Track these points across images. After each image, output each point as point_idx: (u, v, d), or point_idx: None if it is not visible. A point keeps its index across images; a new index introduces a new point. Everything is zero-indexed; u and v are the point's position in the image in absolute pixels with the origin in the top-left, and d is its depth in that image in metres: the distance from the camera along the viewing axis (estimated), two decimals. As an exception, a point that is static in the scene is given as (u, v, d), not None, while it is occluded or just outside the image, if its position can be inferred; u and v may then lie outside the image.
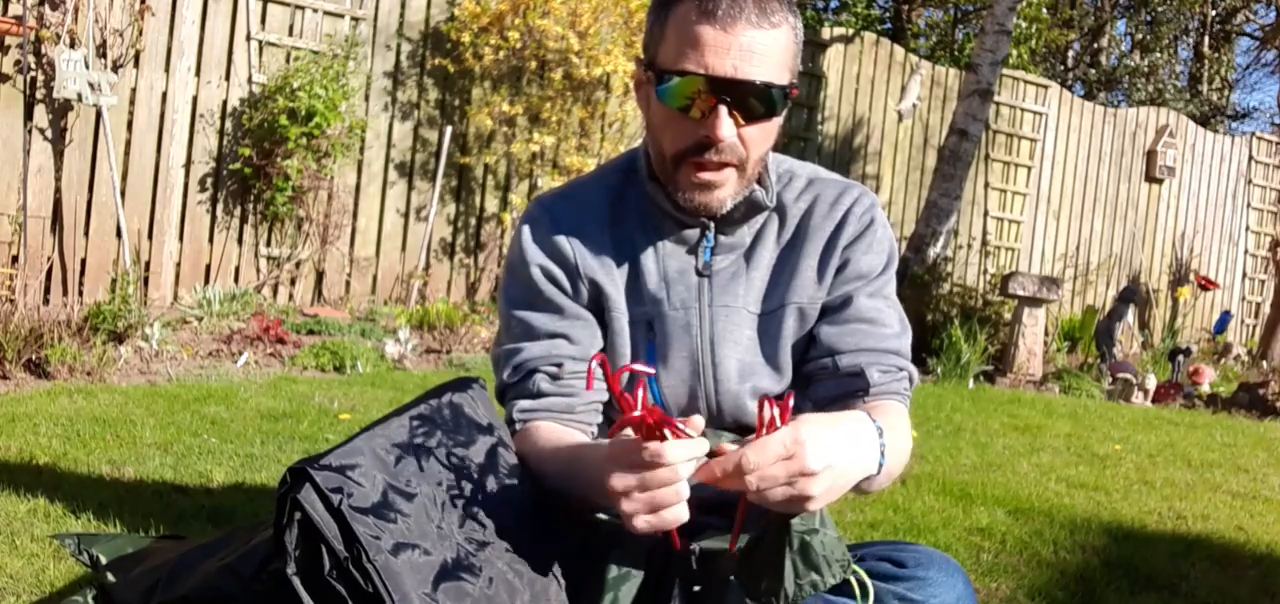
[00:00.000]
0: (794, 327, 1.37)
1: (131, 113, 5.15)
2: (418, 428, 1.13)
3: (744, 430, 1.36)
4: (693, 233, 1.36)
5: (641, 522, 1.03)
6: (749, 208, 1.34)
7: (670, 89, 1.23)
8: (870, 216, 1.38)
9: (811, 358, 1.36)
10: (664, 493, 1.02)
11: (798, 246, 1.37)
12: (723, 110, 1.21)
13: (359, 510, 1.00)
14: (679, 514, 1.04)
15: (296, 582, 0.98)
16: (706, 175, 1.26)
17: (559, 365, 1.35)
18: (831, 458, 1.02)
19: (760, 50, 1.21)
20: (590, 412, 1.37)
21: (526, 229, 1.39)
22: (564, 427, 1.34)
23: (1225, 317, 9.31)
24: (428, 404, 1.18)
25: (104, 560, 1.46)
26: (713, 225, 1.35)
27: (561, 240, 1.36)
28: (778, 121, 1.28)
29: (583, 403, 1.36)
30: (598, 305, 1.38)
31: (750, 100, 1.22)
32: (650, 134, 1.33)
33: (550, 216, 1.38)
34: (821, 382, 1.35)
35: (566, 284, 1.36)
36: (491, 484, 1.14)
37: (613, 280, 1.36)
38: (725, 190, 1.28)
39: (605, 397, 1.39)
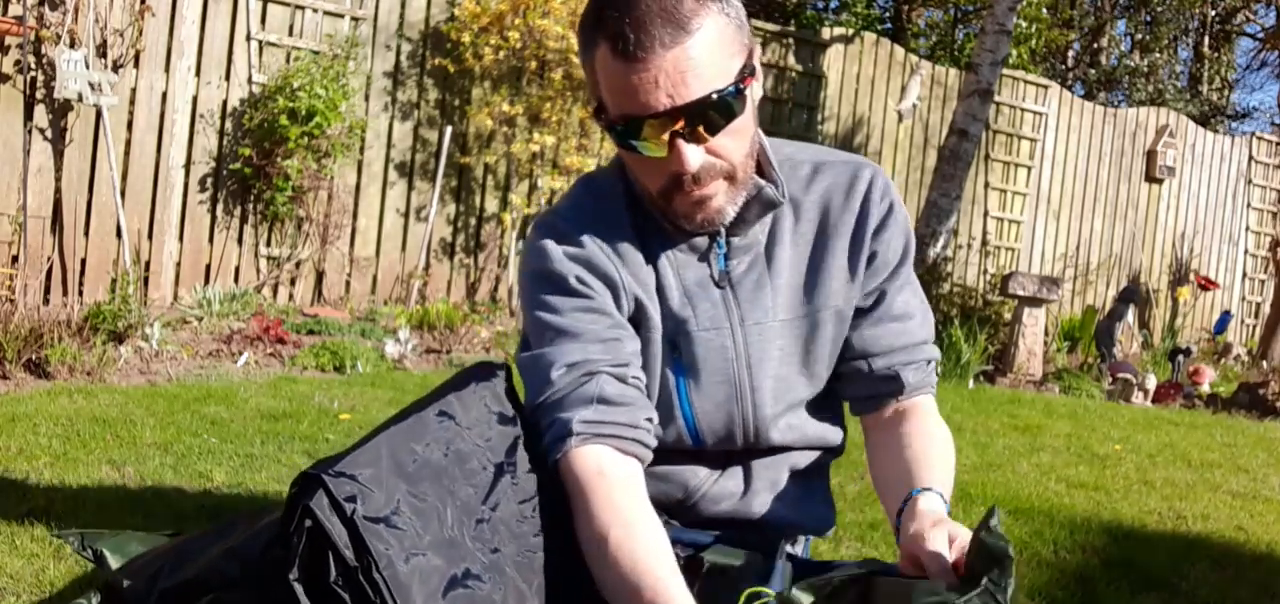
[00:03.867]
0: (832, 331, 1.30)
1: (131, 113, 5.15)
2: (439, 426, 1.10)
3: (776, 450, 1.33)
4: (702, 240, 1.26)
5: None
6: (762, 207, 1.25)
7: (622, 138, 1.14)
8: (889, 199, 1.31)
9: (845, 358, 1.32)
10: None
11: (825, 244, 1.29)
12: (681, 143, 1.12)
13: (371, 520, 0.98)
14: None
15: (298, 588, 0.97)
16: (697, 193, 1.18)
17: (626, 366, 1.20)
18: None
19: (689, 64, 1.09)
20: (648, 431, 1.20)
21: (552, 237, 1.25)
22: (624, 453, 1.17)
23: (1225, 316, 9.31)
24: (450, 398, 1.14)
25: (108, 555, 1.45)
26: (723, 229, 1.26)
27: (596, 250, 1.24)
28: (746, 117, 1.17)
29: (644, 416, 1.20)
30: (636, 322, 1.26)
31: (703, 118, 1.12)
32: (629, 169, 1.25)
33: (576, 229, 1.25)
34: (854, 382, 1.33)
35: (608, 296, 1.24)
36: (508, 484, 1.11)
37: (650, 294, 1.26)
38: (720, 199, 1.20)
39: (656, 416, 1.24)
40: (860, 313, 1.31)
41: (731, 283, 1.27)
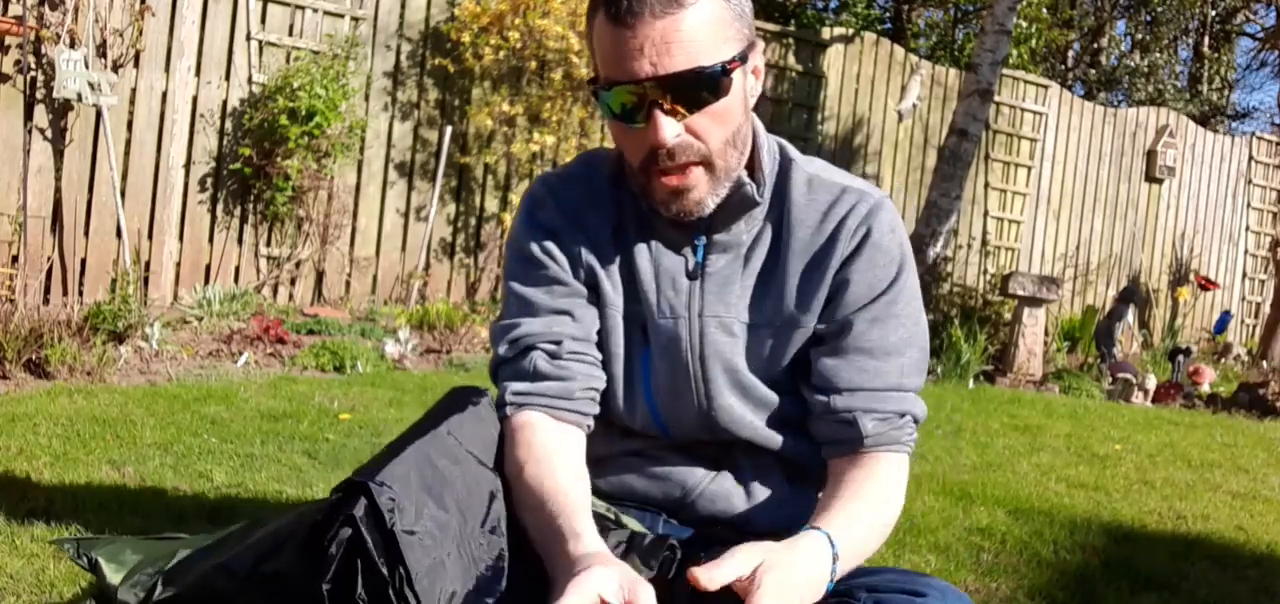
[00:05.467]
0: (775, 347, 1.29)
1: (131, 113, 5.15)
2: (450, 440, 1.12)
3: (742, 444, 1.32)
4: (683, 232, 1.28)
5: None
6: (741, 204, 1.25)
7: (606, 103, 1.17)
8: (866, 227, 1.26)
9: (812, 388, 1.27)
10: None
11: (783, 261, 1.27)
12: (658, 114, 1.14)
13: (408, 532, 1.00)
14: None
15: (327, 599, 0.97)
16: (673, 181, 1.18)
17: (558, 343, 1.26)
18: None
19: (677, 37, 1.11)
20: (587, 400, 1.27)
21: (529, 206, 1.33)
22: (558, 420, 1.25)
23: (1225, 316, 9.32)
24: (459, 415, 1.17)
25: (103, 563, 1.46)
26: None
27: (563, 222, 1.30)
28: (731, 103, 1.17)
29: (581, 388, 1.26)
30: (593, 296, 1.30)
31: (684, 92, 1.13)
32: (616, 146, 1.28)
33: (554, 198, 1.32)
34: (818, 419, 1.27)
35: (566, 265, 1.29)
36: (501, 509, 1.15)
37: (609, 272, 1.29)
38: (698, 191, 1.20)
39: (603, 384, 1.30)
40: (826, 339, 1.27)
41: (703, 276, 1.28)
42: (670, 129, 1.15)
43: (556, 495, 1.15)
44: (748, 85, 1.21)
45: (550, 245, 1.29)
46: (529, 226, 1.31)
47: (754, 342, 1.29)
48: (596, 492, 1.29)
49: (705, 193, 1.20)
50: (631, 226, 1.30)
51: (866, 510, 1.20)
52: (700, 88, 1.14)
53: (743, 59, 1.17)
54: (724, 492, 1.33)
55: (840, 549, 1.13)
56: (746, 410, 1.30)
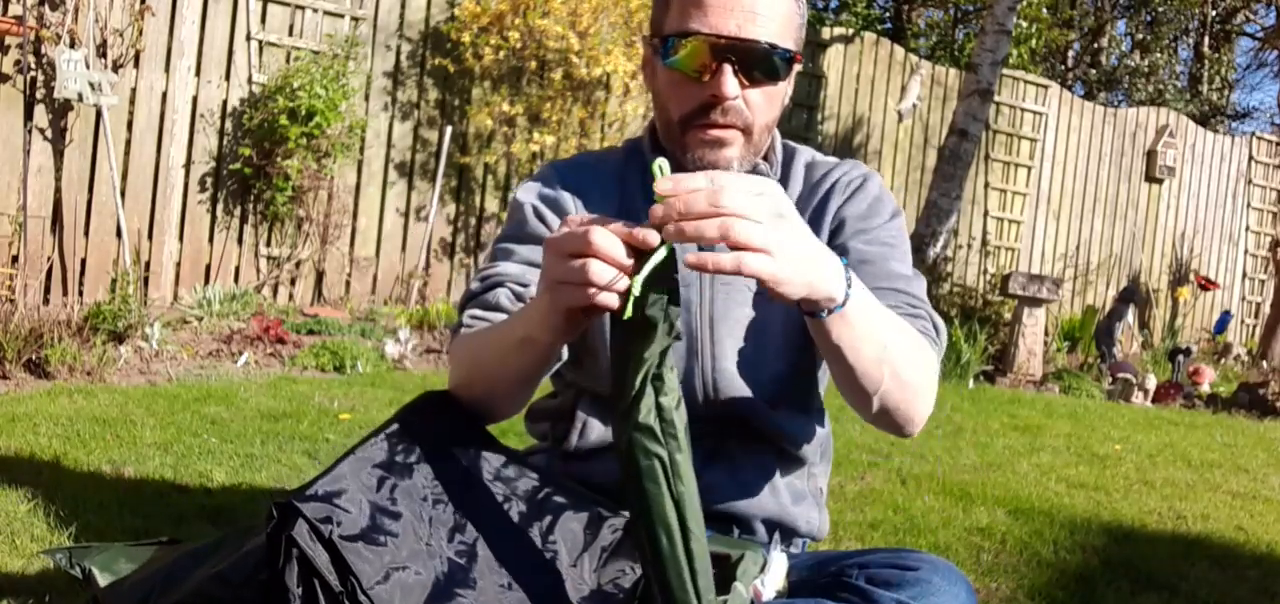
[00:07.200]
0: (782, 314, 1.33)
1: (131, 113, 5.15)
2: (397, 444, 1.12)
3: (735, 420, 1.34)
4: None
5: (560, 294, 0.99)
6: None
7: (676, 52, 1.24)
8: (861, 178, 1.37)
9: None
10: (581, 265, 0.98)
11: None
12: (728, 69, 1.23)
13: (348, 538, 0.99)
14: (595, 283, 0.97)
15: None
16: (715, 133, 1.26)
17: (526, 286, 1.30)
18: (755, 209, 0.98)
19: (764, 12, 1.23)
20: None
21: (531, 180, 1.39)
22: None
23: (1225, 316, 9.31)
24: (406, 417, 1.17)
25: (96, 573, 1.46)
26: None
27: (564, 195, 1.36)
28: (783, 89, 1.29)
29: None
30: None
31: (755, 61, 1.23)
32: (657, 105, 1.33)
33: (558, 174, 1.39)
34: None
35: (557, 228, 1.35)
36: (476, 492, 1.13)
37: None
38: (733, 150, 1.27)
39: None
40: None
41: (712, 248, 1.31)
42: (734, 86, 1.24)
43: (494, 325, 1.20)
44: (791, 83, 1.32)
45: (544, 210, 1.34)
46: (526, 192, 1.37)
47: (759, 305, 1.34)
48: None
49: (737, 156, 1.28)
50: (640, 207, 1.34)
51: (904, 324, 1.20)
52: (767, 64, 1.25)
53: (799, 55, 1.29)
54: (718, 482, 1.34)
55: (856, 288, 1.09)
56: (745, 379, 1.33)
